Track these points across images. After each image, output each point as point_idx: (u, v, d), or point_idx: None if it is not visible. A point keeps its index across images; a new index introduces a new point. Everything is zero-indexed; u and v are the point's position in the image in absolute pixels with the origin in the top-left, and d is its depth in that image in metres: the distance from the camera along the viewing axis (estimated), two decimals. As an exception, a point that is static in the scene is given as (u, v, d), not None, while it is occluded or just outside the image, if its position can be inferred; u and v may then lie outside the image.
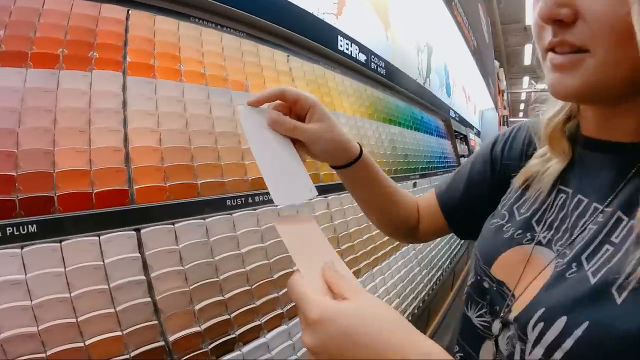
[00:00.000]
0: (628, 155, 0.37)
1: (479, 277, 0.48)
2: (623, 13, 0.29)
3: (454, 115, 3.42)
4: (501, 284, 0.43)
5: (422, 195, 0.69)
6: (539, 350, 0.34)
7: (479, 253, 0.49)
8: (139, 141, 0.79)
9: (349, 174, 0.59)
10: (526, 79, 15.88)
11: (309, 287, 0.35)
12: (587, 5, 0.31)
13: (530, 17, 0.39)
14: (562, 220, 0.41)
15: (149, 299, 0.71)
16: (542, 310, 0.35)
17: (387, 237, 1.60)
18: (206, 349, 0.77)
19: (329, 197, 1.33)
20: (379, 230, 1.55)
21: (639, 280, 0.30)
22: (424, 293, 1.83)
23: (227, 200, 0.94)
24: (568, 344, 0.32)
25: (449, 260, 2.41)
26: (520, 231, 0.45)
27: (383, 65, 1.91)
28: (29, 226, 0.62)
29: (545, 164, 0.45)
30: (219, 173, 0.94)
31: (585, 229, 0.38)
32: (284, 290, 0.99)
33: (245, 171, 1.01)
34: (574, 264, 0.36)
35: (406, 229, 0.68)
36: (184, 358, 0.73)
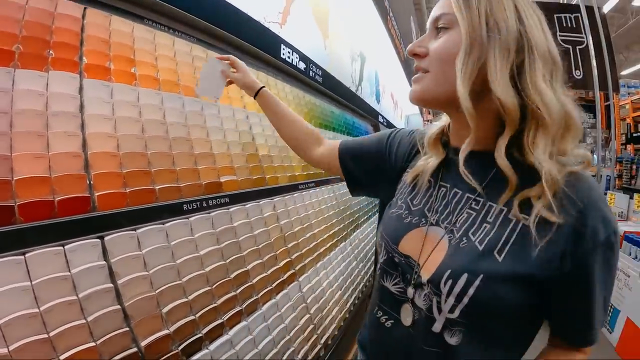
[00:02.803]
0: (487, 161, 0.53)
1: (390, 255, 0.62)
2: (450, 53, 0.52)
3: (382, 120, 3.77)
4: (408, 257, 0.59)
5: (332, 141, 0.89)
6: (451, 299, 0.50)
7: (386, 236, 0.63)
8: (97, 146, 0.79)
9: (259, 102, 0.95)
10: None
11: None
12: (431, 47, 0.55)
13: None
14: (445, 206, 0.58)
15: (118, 306, 0.73)
16: (449, 271, 0.51)
17: (327, 235, 1.77)
18: (177, 350, 0.82)
19: (275, 199, 1.44)
20: (320, 229, 1.73)
21: (509, 246, 0.49)
22: (362, 285, 2.05)
23: (184, 205, 0.98)
24: (471, 291, 0.49)
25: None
26: (417, 218, 0.61)
27: (320, 73, 2.07)
28: (-12, 238, 0.60)
29: (427, 162, 0.64)
30: (174, 178, 0.97)
31: (464, 212, 0.55)
32: (241, 288, 1.07)
33: (198, 176, 1.05)
34: (464, 238, 0.53)
35: (301, 150, 0.93)
36: (158, 362, 0.77)
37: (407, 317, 0.58)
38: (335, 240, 1.85)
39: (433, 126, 0.67)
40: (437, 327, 0.53)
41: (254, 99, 0.96)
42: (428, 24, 0.58)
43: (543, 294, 0.50)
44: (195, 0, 1.10)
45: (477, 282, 0.49)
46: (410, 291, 0.57)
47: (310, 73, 1.97)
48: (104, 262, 0.74)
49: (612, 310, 2.73)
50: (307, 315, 1.41)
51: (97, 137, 0.80)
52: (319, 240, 1.68)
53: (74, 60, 0.80)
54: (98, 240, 0.74)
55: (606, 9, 8.96)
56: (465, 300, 0.49)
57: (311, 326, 1.42)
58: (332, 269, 1.72)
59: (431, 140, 0.64)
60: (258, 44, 1.47)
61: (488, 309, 0.49)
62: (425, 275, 0.55)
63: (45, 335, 0.62)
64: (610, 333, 2.68)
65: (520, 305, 0.50)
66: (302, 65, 1.87)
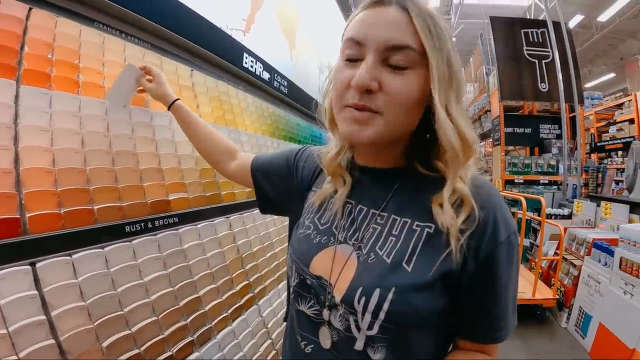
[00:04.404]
0: (390, 177, 0.61)
1: (302, 277, 0.63)
2: (412, 92, 0.52)
3: None
4: (319, 278, 0.60)
5: (247, 155, 0.94)
6: (368, 316, 0.53)
7: (296, 258, 0.65)
8: (31, 162, 0.77)
9: (173, 113, 1.01)
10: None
11: None
12: (386, 81, 0.52)
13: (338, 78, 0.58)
14: (352, 222, 0.62)
15: (52, 341, 0.71)
16: (361, 288, 0.54)
17: (287, 256, 1.79)
18: (118, 388, 0.79)
19: (232, 217, 1.44)
20: (282, 247, 1.74)
21: (416, 255, 0.54)
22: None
23: (126, 227, 0.96)
24: (386, 305, 0.52)
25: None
26: (325, 237, 0.64)
27: (286, 84, 2.11)
28: None
29: (334, 188, 0.67)
30: (116, 197, 0.95)
31: (369, 227, 0.60)
32: (192, 317, 1.06)
33: (144, 193, 1.04)
34: (372, 253, 0.57)
35: (216, 164, 0.98)
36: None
37: (325, 339, 0.59)
38: (297, 261, 1.87)
39: (328, 153, 0.69)
40: (359, 345, 0.56)
41: (168, 110, 1.01)
42: (376, 44, 0.52)
43: (453, 296, 0.55)
44: (149, 2, 1.11)
45: (390, 296, 0.52)
46: (325, 313, 0.59)
47: (275, 83, 2.01)
48: (36, 292, 0.71)
49: (584, 316, 2.94)
50: (269, 341, 1.41)
51: (31, 150, 0.78)
52: (280, 260, 1.70)
53: (12, 65, 0.78)
54: (29, 267, 0.71)
55: (572, 24, 9.73)
56: (382, 315, 0.52)
57: (273, 352, 1.42)
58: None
59: (332, 168, 0.67)
60: (218, 52, 1.49)
61: (405, 320, 0.53)
62: (338, 295, 0.57)
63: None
64: (583, 338, 2.86)
65: (435, 312, 0.54)
66: (266, 75, 1.91)
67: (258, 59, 1.80)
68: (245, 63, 1.70)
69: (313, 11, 2.72)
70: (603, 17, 10.38)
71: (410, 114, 0.55)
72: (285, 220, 1.90)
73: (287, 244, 1.84)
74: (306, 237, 0.67)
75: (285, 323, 0.77)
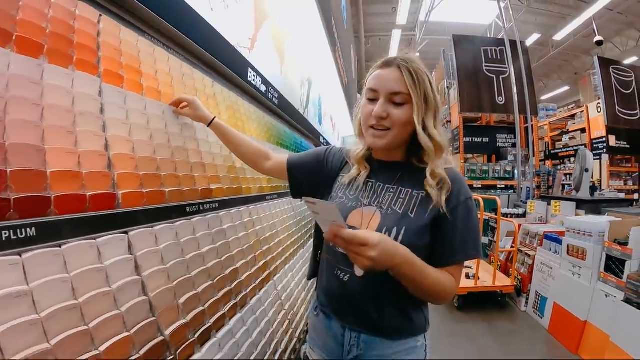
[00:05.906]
0: (396, 166, 0.83)
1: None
2: (406, 117, 0.76)
3: (323, 141, 3.98)
4: (354, 227, 0.79)
5: (280, 156, 1.05)
6: None
7: None
8: (118, 148, 0.78)
9: (214, 130, 1.07)
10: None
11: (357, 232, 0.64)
12: (392, 112, 0.76)
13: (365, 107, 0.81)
14: (373, 193, 0.83)
15: (145, 297, 0.72)
16: (385, 227, 0.75)
17: (290, 241, 1.84)
18: (193, 339, 0.81)
19: (250, 207, 1.48)
20: (284, 235, 1.79)
21: (416, 209, 0.76)
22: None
23: (187, 207, 0.99)
24: (400, 238, 0.73)
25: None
26: (355, 202, 0.83)
27: (277, 96, 2.17)
28: (28, 229, 0.56)
29: (359, 172, 0.87)
30: (178, 183, 0.98)
31: (386, 195, 0.81)
32: (234, 284, 1.09)
33: (194, 182, 1.06)
34: (389, 209, 0.78)
35: (254, 164, 1.08)
36: (179, 350, 0.76)
37: (359, 269, 0.73)
38: (296, 247, 1.93)
39: (356, 147, 0.90)
40: None
41: (208, 127, 1.08)
42: (384, 92, 0.77)
43: (433, 235, 0.76)
44: (191, 24, 1.14)
45: (402, 232, 0.74)
46: None
47: (269, 95, 2.07)
48: (131, 256, 0.72)
49: (540, 299, 3.03)
50: (283, 311, 1.45)
51: (117, 139, 0.79)
52: (284, 246, 1.74)
53: (94, 63, 0.78)
54: (125, 235, 0.73)
55: (529, 42, 9.45)
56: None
57: (287, 321, 1.46)
58: (296, 272, 1.79)
59: (358, 157, 0.88)
60: (231, 67, 1.53)
61: (411, 248, 0.70)
62: None
63: (85, 327, 0.59)
64: (541, 318, 2.96)
65: (426, 244, 0.76)
66: (263, 88, 1.96)
67: (258, 73, 1.86)
68: (249, 77, 1.75)
69: (299, 32, 2.81)
70: (558, 36, 10.22)
71: (405, 129, 0.78)
72: (284, 214, 1.95)
73: (287, 233, 1.92)
74: (341, 203, 0.86)
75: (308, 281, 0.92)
